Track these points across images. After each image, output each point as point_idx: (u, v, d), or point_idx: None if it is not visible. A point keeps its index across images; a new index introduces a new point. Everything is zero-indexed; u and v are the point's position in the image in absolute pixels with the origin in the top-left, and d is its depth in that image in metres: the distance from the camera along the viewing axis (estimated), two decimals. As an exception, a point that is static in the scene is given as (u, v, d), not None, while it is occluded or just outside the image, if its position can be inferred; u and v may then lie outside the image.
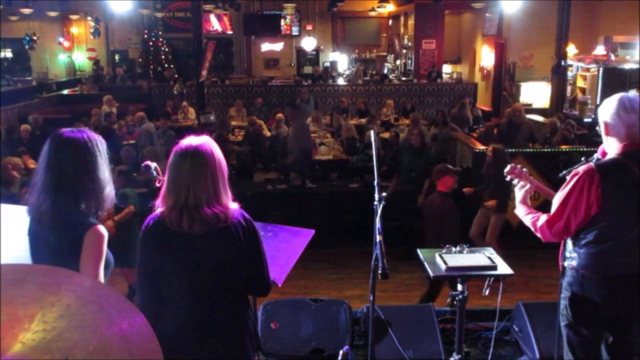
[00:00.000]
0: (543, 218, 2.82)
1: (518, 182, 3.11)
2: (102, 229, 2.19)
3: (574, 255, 2.80)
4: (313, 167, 9.35)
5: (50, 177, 2.18)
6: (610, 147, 2.76)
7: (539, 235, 2.87)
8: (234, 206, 2.28)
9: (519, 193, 3.08)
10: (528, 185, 3.07)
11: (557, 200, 2.79)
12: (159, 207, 2.27)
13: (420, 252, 3.66)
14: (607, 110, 2.74)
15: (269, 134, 11.01)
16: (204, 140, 2.25)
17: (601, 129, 2.79)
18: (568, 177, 2.77)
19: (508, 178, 3.18)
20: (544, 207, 3.03)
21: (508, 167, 3.18)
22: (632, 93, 2.76)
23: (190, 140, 2.24)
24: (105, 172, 2.26)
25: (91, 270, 2.14)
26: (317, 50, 21.26)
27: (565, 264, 2.88)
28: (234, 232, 2.20)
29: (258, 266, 2.31)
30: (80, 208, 2.18)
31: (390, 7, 19.82)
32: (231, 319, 2.28)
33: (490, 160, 6.66)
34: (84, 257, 2.13)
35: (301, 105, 13.24)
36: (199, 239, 2.18)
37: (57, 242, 2.16)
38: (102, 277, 2.19)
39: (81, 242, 2.13)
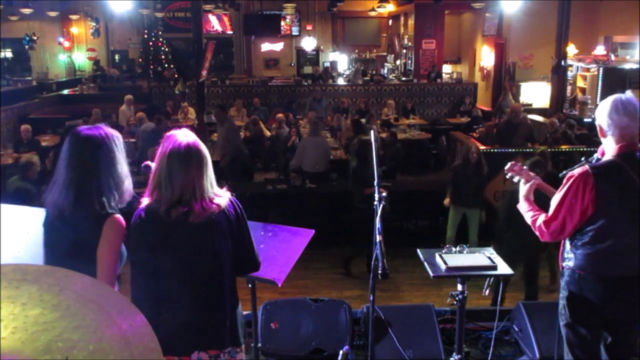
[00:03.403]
0: (542, 218, 2.83)
1: (519, 179, 3.11)
2: (120, 218, 2.27)
3: (571, 255, 2.81)
4: (247, 166, 9.53)
5: (71, 174, 2.25)
6: (608, 149, 2.77)
7: (537, 233, 2.89)
8: (223, 192, 2.36)
9: (522, 189, 3.08)
10: (532, 182, 3.07)
11: (554, 202, 2.80)
12: (146, 198, 2.32)
13: (420, 252, 3.66)
14: (600, 112, 2.75)
15: (268, 134, 11.01)
16: (195, 137, 2.34)
17: (597, 131, 2.80)
18: (564, 179, 2.78)
19: (508, 175, 3.17)
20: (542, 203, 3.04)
21: (508, 165, 3.17)
22: (627, 94, 2.75)
23: (184, 138, 2.30)
24: (123, 166, 2.34)
25: (108, 258, 2.21)
26: (317, 50, 21.26)
27: (564, 264, 2.89)
28: (227, 217, 2.30)
29: (247, 244, 2.39)
30: (101, 202, 2.24)
31: (390, 7, 19.82)
32: (224, 313, 2.33)
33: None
34: (101, 245, 2.20)
35: (312, 104, 13.29)
36: (196, 229, 2.24)
37: (77, 235, 2.22)
38: (116, 267, 2.26)
39: (99, 231, 2.21)
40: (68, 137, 2.33)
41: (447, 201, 6.80)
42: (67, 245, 2.23)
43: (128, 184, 2.36)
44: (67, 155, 2.28)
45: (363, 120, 12.12)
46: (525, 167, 3.16)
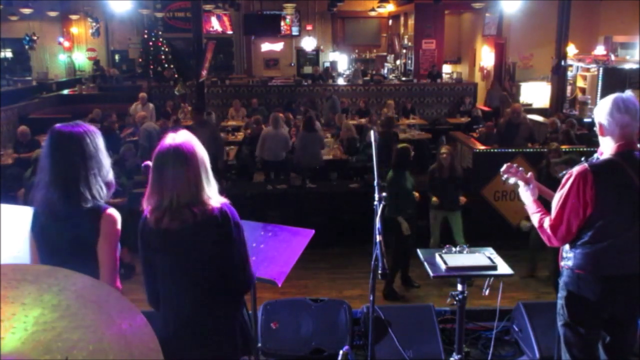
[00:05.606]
0: (547, 222, 2.79)
1: (515, 181, 3.08)
2: (114, 211, 2.29)
3: (570, 255, 2.80)
4: (229, 166, 9.75)
5: (55, 171, 2.25)
6: (606, 147, 2.76)
7: (544, 238, 2.84)
8: (218, 198, 2.28)
9: (525, 194, 3.02)
10: (534, 183, 3.04)
11: (555, 203, 2.77)
12: (145, 206, 2.31)
13: (420, 252, 3.67)
14: (601, 110, 2.74)
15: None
16: (185, 138, 2.27)
17: (597, 129, 2.80)
18: (563, 180, 2.77)
19: (504, 177, 3.14)
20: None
21: (504, 167, 3.15)
22: (628, 93, 2.75)
23: (171, 140, 2.26)
24: (105, 160, 2.34)
25: (110, 253, 2.24)
26: (317, 50, 21.27)
27: (562, 264, 2.88)
28: (216, 223, 2.22)
29: (238, 252, 2.28)
30: (87, 197, 2.25)
31: (390, 7, 19.83)
32: (224, 316, 2.31)
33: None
34: (102, 241, 2.22)
35: (328, 105, 13.33)
36: (180, 235, 2.21)
37: (73, 232, 2.22)
38: (117, 261, 2.28)
39: (97, 228, 2.22)
40: (48, 136, 2.32)
41: (435, 199, 6.66)
42: (65, 243, 2.23)
43: (111, 177, 2.38)
44: (50, 153, 2.27)
45: (363, 121, 12.13)
46: (521, 169, 3.13)
